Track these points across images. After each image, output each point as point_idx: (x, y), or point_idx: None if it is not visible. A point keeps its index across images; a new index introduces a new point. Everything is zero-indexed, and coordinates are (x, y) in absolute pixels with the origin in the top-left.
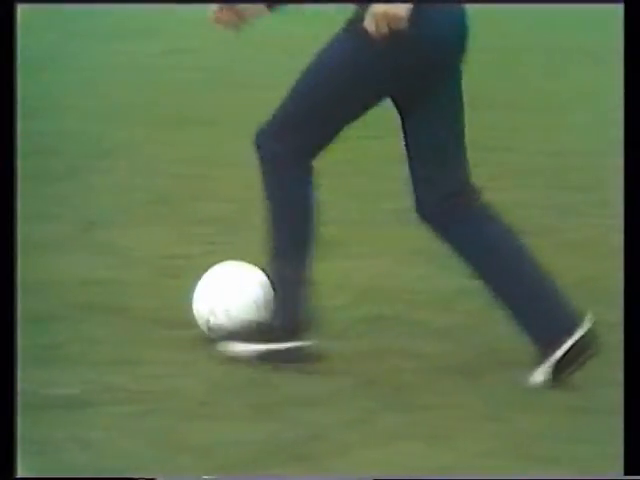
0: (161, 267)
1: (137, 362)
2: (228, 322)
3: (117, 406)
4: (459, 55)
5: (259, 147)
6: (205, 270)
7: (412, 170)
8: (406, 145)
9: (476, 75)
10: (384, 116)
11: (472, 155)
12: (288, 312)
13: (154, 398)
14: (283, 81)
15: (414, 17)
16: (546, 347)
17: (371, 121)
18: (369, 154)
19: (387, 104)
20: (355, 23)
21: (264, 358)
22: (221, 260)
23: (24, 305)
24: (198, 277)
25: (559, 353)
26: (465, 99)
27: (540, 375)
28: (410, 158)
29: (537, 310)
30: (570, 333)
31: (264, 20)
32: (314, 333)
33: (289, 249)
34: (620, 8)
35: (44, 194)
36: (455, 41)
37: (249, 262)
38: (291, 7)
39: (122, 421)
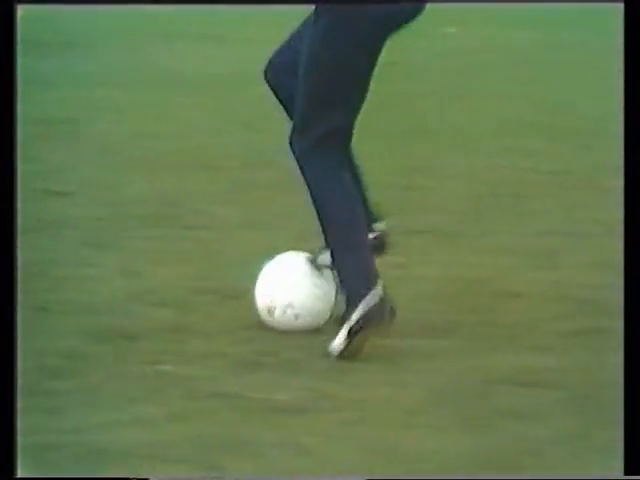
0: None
1: (350, 370)
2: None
3: (331, 413)
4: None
5: (291, 149)
6: (420, 280)
7: None
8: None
9: None
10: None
11: None
12: (355, 279)
13: (368, 406)
14: (501, 91)
15: None
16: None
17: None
18: (583, 165)
19: None
20: (319, 12)
21: (356, 331)
22: (434, 271)
23: (238, 313)
24: (411, 287)
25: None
26: None
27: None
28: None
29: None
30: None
31: (485, 31)
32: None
33: (343, 234)
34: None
35: (262, 203)
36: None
37: (461, 274)
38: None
39: (335, 428)
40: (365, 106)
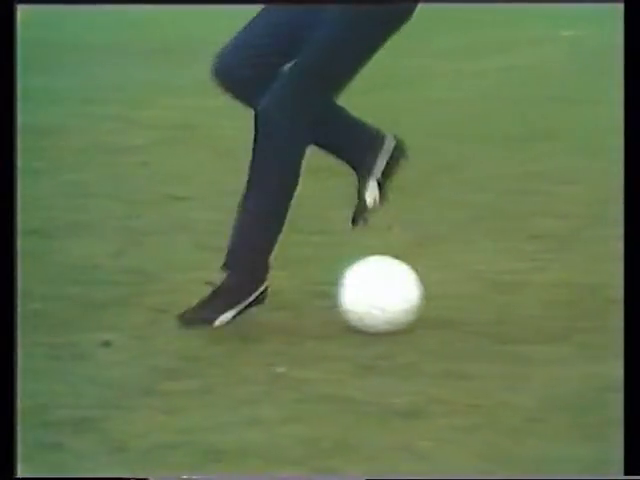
0: (492, 282)
1: (467, 375)
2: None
3: (445, 418)
4: None
5: (265, 114)
6: (537, 286)
7: None
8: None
9: None
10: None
11: None
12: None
13: (484, 412)
14: (613, 95)
15: None
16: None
17: None
18: None
19: None
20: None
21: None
22: (551, 276)
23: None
24: (528, 293)
25: (376, 170)
26: None
27: (371, 193)
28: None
29: (351, 143)
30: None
31: (604, 33)
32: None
33: (267, 209)
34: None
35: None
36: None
37: (579, 279)
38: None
39: (449, 433)
40: (486, 112)
